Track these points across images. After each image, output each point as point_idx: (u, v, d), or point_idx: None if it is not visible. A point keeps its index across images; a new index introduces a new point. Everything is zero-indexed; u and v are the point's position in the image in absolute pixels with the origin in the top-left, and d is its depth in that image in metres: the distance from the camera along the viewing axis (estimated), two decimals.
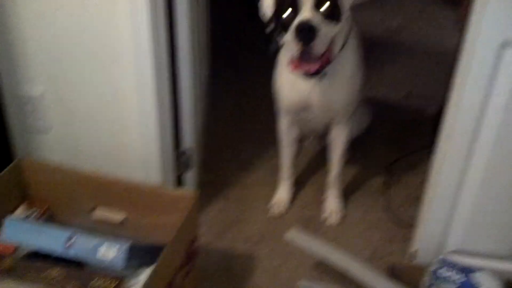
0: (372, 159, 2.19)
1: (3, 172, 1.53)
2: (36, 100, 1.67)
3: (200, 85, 2.10)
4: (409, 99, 2.57)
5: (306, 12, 1.40)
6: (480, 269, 1.47)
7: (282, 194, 1.98)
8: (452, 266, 1.48)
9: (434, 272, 1.47)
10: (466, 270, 1.46)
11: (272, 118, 1.94)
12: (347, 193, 2.01)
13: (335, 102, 1.68)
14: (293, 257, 1.76)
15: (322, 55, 1.45)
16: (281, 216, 1.93)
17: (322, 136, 2.08)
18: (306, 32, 1.37)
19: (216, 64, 2.60)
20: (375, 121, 2.19)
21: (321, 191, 2.00)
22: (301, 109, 1.73)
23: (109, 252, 1.30)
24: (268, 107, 2.35)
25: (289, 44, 1.46)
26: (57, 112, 1.68)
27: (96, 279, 1.28)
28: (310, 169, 2.15)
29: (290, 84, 1.67)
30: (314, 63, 1.44)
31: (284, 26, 1.46)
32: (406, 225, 1.86)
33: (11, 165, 1.57)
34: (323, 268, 1.72)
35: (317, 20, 1.39)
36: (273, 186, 2.02)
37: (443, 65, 2.94)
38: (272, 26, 1.54)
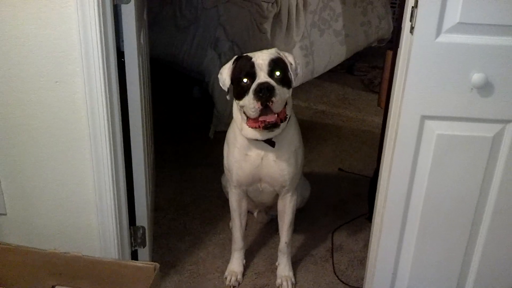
0: (316, 228, 2.33)
1: None
2: None
3: (149, 166, 2.21)
4: (341, 174, 2.79)
5: (263, 77, 1.62)
6: None
7: (235, 265, 2.06)
8: None
9: None
10: None
11: (216, 196, 2.05)
12: (297, 260, 2.13)
13: (283, 172, 1.83)
14: None
15: (278, 114, 1.64)
16: (236, 287, 2.00)
17: (270, 208, 2.23)
18: (266, 90, 1.58)
19: (158, 143, 2.72)
20: (315, 192, 2.36)
21: (271, 260, 2.11)
22: (252, 182, 1.88)
23: None
24: (211, 185, 2.49)
25: (245, 107, 1.65)
26: (12, 196, 1.72)
27: None
28: (260, 240, 2.25)
29: (241, 156, 1.82)
30: (273, 116, 1.63)
31: (241, 92, 1.65)
32: (354, 286, 1.99)
33: None
34: None
35: (273, 82, 1.61)
36: (224, 259, 2.10)
37: (367, 142, 3.26)
38: (229, 94, 1.74)
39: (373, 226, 1.70)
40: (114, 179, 1.69)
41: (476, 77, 1.28)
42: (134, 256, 1.95)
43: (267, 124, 1.65)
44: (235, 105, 1.76)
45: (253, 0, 3.04)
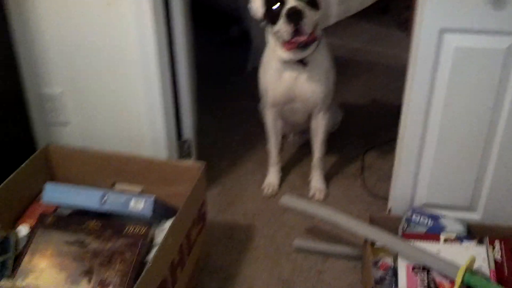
0: (348, 150, 2.50)
1: (32, 156, 1.76)
2: (55, 98, 1.92)
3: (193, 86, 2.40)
4: (374, 104, 2.92)
5: (291, 2, 1.76)
6: (445, 215, 1.76)
7: (272, 178, 2.25)
8: (422, 213, 1.76)
9: (408, 219, 1.75)
10: (434, 216, 1.76)
11: (254, 118, 2.20)
12: (329, 176, 2.30)
13: (315, 92, 1.99)
14: (287, 225, 2.02)
15: (309, 35, 1.79)
16: (273, 196, 2.19)
17: (304, 130, 2.39)
18: (295, 15, 1.73)
19: (199, 79, 2.90)
20: (347, 120, 2.51)
21: (306, 176, 2.29)
22: (286, 101, 2.04)
23: (138, 205, 1.53)
24: (249, 113, 2.66)
25: (279, 32, 1.79)
26: (74, 108, 1.94)
27: (128, 227, 1.52)
28: (294, 160, 2.44)
29: (276, 77, 1.98)
30: (304, 36, 1.78)
31: (273, 18, 1.79)
32: (381, 198, 2.15)
33: (38, 150, 1.80)
34: (314, 232, 1.99)
35: (302, 6, 1.75)
36: (262, 175, 2.29)
37: (399, 79, 3.34)
38: (264, 21, 1.88)
39: (397, 144, 1.84)
40: (162, 93, 1.88)
41: None
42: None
43: (300, 43, 1.80)
44: (269, 31, 1.91)
45: None
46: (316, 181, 2.22)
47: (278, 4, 1.78)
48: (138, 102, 1.89)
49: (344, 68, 3.20)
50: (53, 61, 1.86)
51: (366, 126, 2.69)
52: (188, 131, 2.14)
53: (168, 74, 1.91)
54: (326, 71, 2.00)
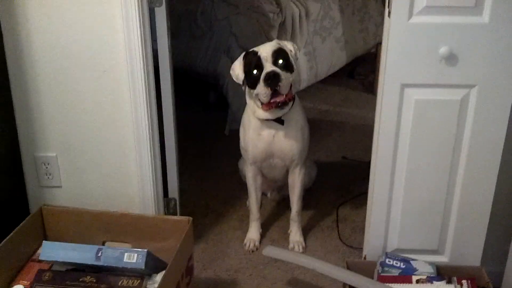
0: (323, 204, 2.65)
1: (28, 217, 1.86)
2: (50, 162, 2.04)
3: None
4: (345, 161, 3.11)
5: (269, 67, 1.96)
6: (415, 259, 1.90)
7: (253, 233, 2.37)
8: (395, 257, 1.90)
9: (382, 263, 1.89)
10: (406, 260, 1.89)
11: (233, 178, 2.34)
12: (306, 229, 2.44)
13: (292, 147, 2.16)
14: (268, 279, 2.13)
15: (286, 95, 1.98)
16: (254, 251, 2.31)
17: (281, 188, 2.55)
18: (273, 78, 1.93)
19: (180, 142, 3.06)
20: (321, 176, 2.68)
21: (284, 229, 2.42)
22: (266, 157, 2.20)
23: (132, 258, 1.63)
24: (229, 173, 2.80)
25: (259, 94, 1.99)
26: (68, 171, 2.06)
27: (122, 281, 1.61)
28: (273, 215, 2.57)
29: (255, 135, 2.15)
30: (282, 97, 1.97)
31: (253, 82, 2.00)
32: (356, 248, 2.29)
33: (34, 212, 1.90)
34: (294, 285, 2.09)
35: (278, 70, 1.96)
36: (243, 231, 2.41)
37: (367, 137, 3.56)
38: (244, 85, 2.08)
39: (368, 196, 2.00)
40: (152, 155, 2.02)
41: (443, 50, 1.60)
42: None
43: (278, 103, 1.99)
44: (248, 93, 2.10)
45: (260, 11, 3.41)
46: (295, 235, 2.35)
47: (256, 70, 1.97)
48: (129, 163, 2.03)
49: (316, 128, 3.42)
50: (48, 125, 2.00)
51: (338, 181, 2.86)
52: (174, 190, 2.27)
53: (157, 138, 2.06)
54: (301, 127, 2.18)
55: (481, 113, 1.72)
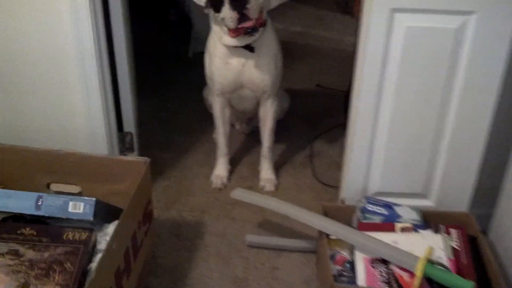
0: (296, 138, 2.44)
1: None
2: None
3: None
4: (319, 89, 2.87)
5: None
6: (399, 204, 1.73)
7: (221, 170, 2.15)
8: (377, 203, 1.72)
9: (363, 209, 1.71)
10: (389, 205, 1.72)
11: (198, 106, 2.10)
12: (278, 165, 2.23)
13: (264, 78, 1.90)
14: (237, 220, 1.94)
15: (256, 20, 1.70)
16: (222, 189, 2.10)
17: (251, 119, 2.31)
18: (240, 0, 1.64)
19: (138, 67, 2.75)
20: (294, 106, 2.44)
21: (254, 166, 2.21)
22: (234, 88, 1.94)
23: (78, 208, 1.40)
24: (193, 101, 2.53)
25: (224, 19, 1.69)
26: (3, 99, 1.75)
27: (67, 233, 1.38)
28: (243, 149, 2.35)
29: (222, 64, 1.88)
30: (251, 21, 1.69)
31: (217, 4, 1.70)
32: (331, 186, 2.11)
33: None
34: (265, 227, 1.91)
35: None
36: (210, 167, 2.19)
37: (342, 62, 3.33)
38: (207, 7, 1.77)
39: (348, 129, 1.78)
40: (101, 83, 1.74)
41: None
42: None
43: (246, 29, 1.71)
44: (213, 17, 1.81)
45: None
46: (266, 172, 2.14)
47: None
48: (74, 92, 1.74)
49: (287, 52, 3.09)
50: None
51: (312, 112, 2.64)
52: (130, 123, 2.00)
53: (106, 61, 1.76)
54: (274, 56, 1.92)
55: (478, 44, 1.51)
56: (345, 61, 3.08)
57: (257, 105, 2.06)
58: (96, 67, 1.69)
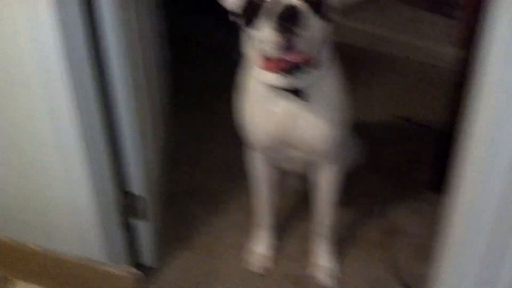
0: (367, 200, 1.81)
1: None
2: None
3: (156, 115, 1.70)
4: (399, 122, 2.21)
5: None
6: None
7: (261, 246, 1.59)
8: None
9: None
10: None
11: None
12: (339, 243, 1.64)
13: (319, 137, 1.31)
14: None
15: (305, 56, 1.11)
16: (262, 273, 1.55)
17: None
18: (291, 20, 1.04)
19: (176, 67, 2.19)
20: (368, 151, 1.82)
21: (307, 239, 1.63)
22: (277, 147, 1.36)
23: None
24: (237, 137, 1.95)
25: (262, 41, 1.10)
26: None
27: None
28: (296, 214, 1.76)
29: (261, 108, 1.29)
30: (295, 55, 1.09)
31: (253, 16, 1.10)
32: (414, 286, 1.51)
33: None
34: None
35: (305, 8, 1.07)
36: (248, 230, 1.64)
37: (436, 80, 2.63)
38: (237, 16, 1.16)
39: (448, 195, 1.18)
40: (81, 128, 1.17)
41: None
42: (130, 227, 1.50)
43: (287, 65, 1.11)
44: (247, 34, 1.18)
45: None
46: (321, 257, 1.56)
47: None
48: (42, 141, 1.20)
49: (360, 63, 2.46)
50: None
51: (388, 158, 1.98)
52: (139, 181, 1.45)
53: (92, 96, 1.21)
54: (337, 109, 1.31)
55: None
56: (438, 82, 2.40)
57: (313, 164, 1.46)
58: (68, 94, 1.12)
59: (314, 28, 1.08)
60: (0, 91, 1.11)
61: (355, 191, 1.79)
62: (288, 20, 1.04)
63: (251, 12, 1.10)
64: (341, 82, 1.32)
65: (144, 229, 1.50)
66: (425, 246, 1.61)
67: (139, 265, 1.46)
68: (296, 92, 1.21)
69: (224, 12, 1.19)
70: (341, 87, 1.31)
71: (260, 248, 1.59)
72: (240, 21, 1.16)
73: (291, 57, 1.09)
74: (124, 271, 1.13)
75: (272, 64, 1.12)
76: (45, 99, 1.11)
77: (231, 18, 1.18)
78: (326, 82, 1.26)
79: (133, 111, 1.33)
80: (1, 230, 1.16)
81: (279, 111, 1.27)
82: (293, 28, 1.04)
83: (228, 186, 1.84)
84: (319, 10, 1.10)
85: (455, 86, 1.55)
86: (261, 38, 1.09)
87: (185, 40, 2.52)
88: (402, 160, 1.98)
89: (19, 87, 1.10)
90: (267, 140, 1.34)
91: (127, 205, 1.42)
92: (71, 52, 1.06)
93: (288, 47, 1.07)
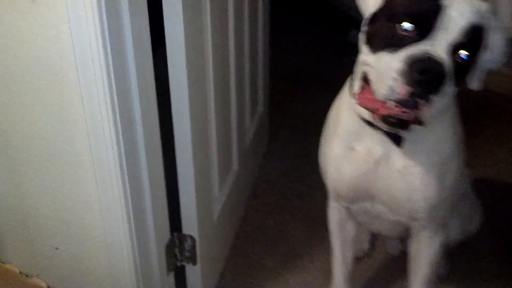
0: (480, 279, 1.42)
1: None
2: None
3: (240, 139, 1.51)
4: None
5: (440, 49, 0.82)
6: None
7: None
8: None
9: None
10: None
11: None
12: None
13: (413, 194, 1.00)
14: None
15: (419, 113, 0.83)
16: None
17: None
18: (433, 84, 0.80)
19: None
20: (484, 219, 1.42)
21: None
22: (357, 196, 1.08)
23: None
24: None
25: (377, 73, 0.84)
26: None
27: None
28: (385, 281, 1.44)
29: (342, 151, 1.03)
30: (410, 112, 0.82)
31: (381, 41, 0.85)
32: None
33: None
34: None
35: (448, 68, 0.81)
36: None
37: None
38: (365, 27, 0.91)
39: None
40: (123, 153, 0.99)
41: None
42: (180, 274, 1.32)
43: (394, 120, 0.84)
44: (363, 55, 0.91)
45: None
46: None
47: (413, 24, 0.82)
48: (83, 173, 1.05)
49: (486, 111, 2.04)
50: None
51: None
52: (191, 220, 1.25)
53: (152, 120, 1.05)
54: (445, 161, 0.99)
55: None
56: None
57: (406, 230, 1.15)
58: (112, 132, 0.95)
59: (446, 94, 0.83)
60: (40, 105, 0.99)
61: (463, 265, 1.42)
62: (429, 83, 0.79)
63: (382, 32, 0.86)
64: (455, 130, 1.01)
65: (193, 274, 1.31)
66: None
67: None
68: (392, 135, 0.94)
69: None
70: (452, 136, 1.01)
71: None
72: (364, 31, 0.91)
73: (404, 115, 0.83)
74: None
75: (372, 103, 0.86)
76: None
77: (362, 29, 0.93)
78: (437, 129, 0.96)
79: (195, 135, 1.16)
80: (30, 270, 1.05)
81: (362, 151, 1.00)
82: (429, 94, 0.80)
83: (308, 238, 1.58)
84: (462, 75, 0.86)
85: None
86: (383, 73, 0.83)
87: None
88: None
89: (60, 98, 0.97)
90: (344, 185, 1.07)
91: (174, 245, 1.24)
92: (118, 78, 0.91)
93: (410, 105, 0.81)
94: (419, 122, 0.84)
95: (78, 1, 0.82)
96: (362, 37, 0.90)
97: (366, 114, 0.91)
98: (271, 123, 1.95)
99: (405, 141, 0.95)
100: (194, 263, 1.29)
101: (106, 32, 0.85)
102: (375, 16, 0.88)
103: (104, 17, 0.83)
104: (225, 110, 1.38)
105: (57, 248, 1.14)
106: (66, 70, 0.90)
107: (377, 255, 1.50)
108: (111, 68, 0.88)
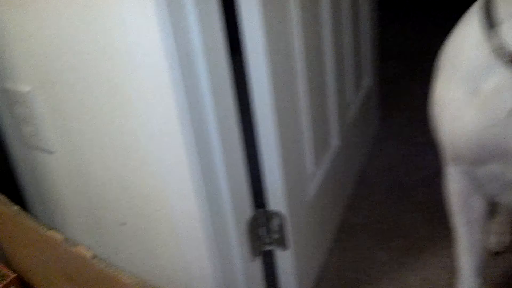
0: None
1: None
2: (36, 119, 1.08)
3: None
4: None
5: None
6: None
7: None
8: None
9: None
10: None
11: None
12: None
13: None
14: None
15: None
16: None
17: None
18: None
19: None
20: None
21: None
22: (486, 156, 0.80)
23: None
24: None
25: None
26: (60, 135, 1.07)
27: None
28: None
29: (464, 94, 0.78)
30: None
31: None
32: None
33: None
34: None
35: None
36: None
37: None
38: None
39: None
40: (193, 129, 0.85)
41: None
42: (267, 259, 1.13)
43: None
44: None
45: None
46: None
47: None
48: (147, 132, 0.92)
49: None
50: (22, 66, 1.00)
51: None
52: (278, 195, 1.07)
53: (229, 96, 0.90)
54: None
55: None
56: None
57: None
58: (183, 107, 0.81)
59: None
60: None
61: None
62: None
63: None
64: None
65: (284, 261, 1.11)
66: None
67: None
68: None
69: None
70: None
71: None
72: None
73: None
74: None
75: None
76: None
77: None
78: None
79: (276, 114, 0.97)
80: (94, 248, 0.94)
81: (491, 92, 0.74)
82: None
83: (430, 231, 1.31)
84: None
85: None
86: None
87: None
88: None
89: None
90: (465, 138, 0.81)
91: (258, 224, 1.06)
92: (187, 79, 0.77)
93: None
94: None
95: None
96: None
97: None
98: (384, 103, 1.72)
99: None
100: (284, 247, 1.09)
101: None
102: None
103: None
104: (318, 76, 1.18)
105: (124, 223, 1.02)
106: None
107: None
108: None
